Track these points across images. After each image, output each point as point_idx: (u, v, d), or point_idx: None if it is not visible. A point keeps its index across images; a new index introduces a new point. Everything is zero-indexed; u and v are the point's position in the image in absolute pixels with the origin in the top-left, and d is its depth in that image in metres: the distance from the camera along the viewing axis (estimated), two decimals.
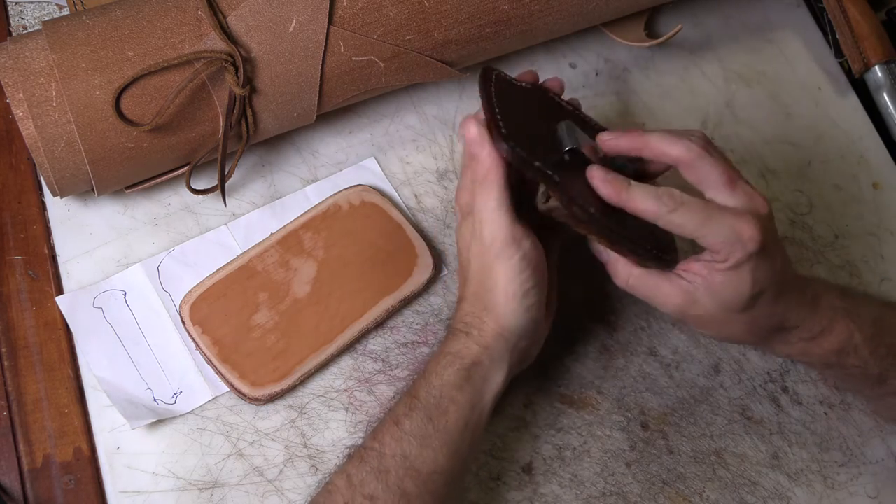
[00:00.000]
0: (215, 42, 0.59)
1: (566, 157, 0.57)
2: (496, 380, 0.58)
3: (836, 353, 0.60)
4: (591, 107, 0.75)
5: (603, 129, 0.60)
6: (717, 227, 0.53)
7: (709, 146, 0.55)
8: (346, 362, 0.65)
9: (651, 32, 0.77)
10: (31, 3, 0.71)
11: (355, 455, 0.55)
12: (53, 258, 0.65)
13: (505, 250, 0.56)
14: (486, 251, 0.56)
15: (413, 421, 0.55)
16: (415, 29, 0.63)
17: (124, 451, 0.61)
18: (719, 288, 0.55)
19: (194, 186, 0.64)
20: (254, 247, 0.65)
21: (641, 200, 0.53)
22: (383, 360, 0.65)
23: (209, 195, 0.66)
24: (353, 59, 0.63)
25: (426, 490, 0.54)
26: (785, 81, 0.80)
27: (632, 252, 0.57)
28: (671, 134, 0.55)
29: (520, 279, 0.56)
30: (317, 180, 0.69)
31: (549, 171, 0.55)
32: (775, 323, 0.58)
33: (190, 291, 0.63)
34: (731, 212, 0.54)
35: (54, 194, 0.62)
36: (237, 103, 0.60)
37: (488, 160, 0.55)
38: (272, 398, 0.62)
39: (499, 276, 0.56)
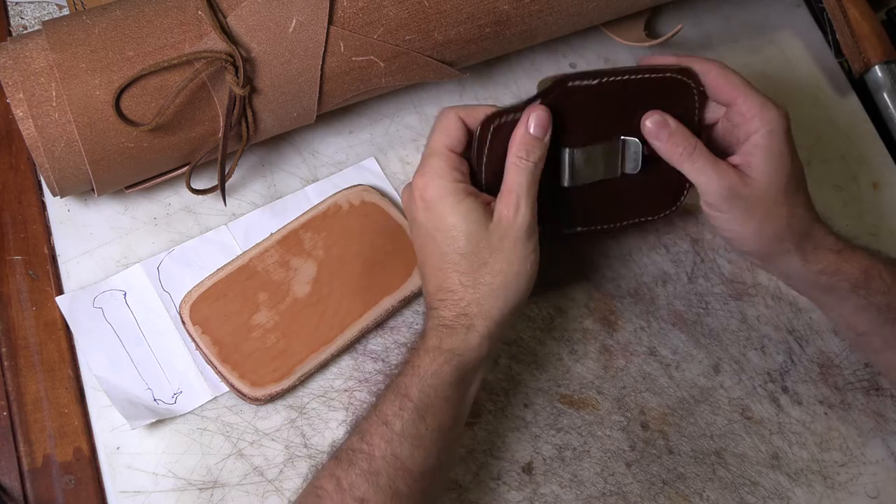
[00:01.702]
0: (215, 42, 0.59)
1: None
2: (486, 368, 0.58)
3: (864, 271, 0.62)
4: None
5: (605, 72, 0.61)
6: (754, 95, 0.60)
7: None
8: (346, 362, 0.65)
9: (651, 32, 0.77)
10: (31, 3, 0.71)
11: (343, 457, 0.54)
12: (53, 258, 0.65)
13: (525, 241, 0.57)
14: (500, 245, 0.56)
15: (405, 421, 0.54)
16: (415, 29, 0.63)
17: (124, 451, 0.61)
18: (765, 157, 0.59)
19: (194, 186, 0.64)
20: (254, 247, 0.65)
21: (699, 62, 0.61)
22: (383, 360, 0.65)
23: (209, 195, 0.66)
24: (353, 59, 0.63)
25: (418, 489, 0.54)
26: (785, 81, 0.80)
27: None
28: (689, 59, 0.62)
29: (528, 273, 0.58)
30: (317, 180, 0.69)
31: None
32: (810, 220, 0.62)
33: (190, 291, 0.63)
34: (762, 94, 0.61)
35: (54, 194, 0.62)
36: (237, 103, 0.60)
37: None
38: (272, 398, 0.62)
39: (510, 273, 0.57)
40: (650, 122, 0.60)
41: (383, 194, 0.68)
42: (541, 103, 0.58)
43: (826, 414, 0.69)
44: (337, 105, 0.66)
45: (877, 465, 0.69)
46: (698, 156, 0.59)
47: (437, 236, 0.57)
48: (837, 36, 0.79)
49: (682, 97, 0.62)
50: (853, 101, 0.81)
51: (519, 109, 0.59)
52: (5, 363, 0.62)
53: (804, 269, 0.62)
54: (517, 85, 0.75)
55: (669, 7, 0.79)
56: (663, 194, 0.65)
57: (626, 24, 0.75)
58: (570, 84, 0.59)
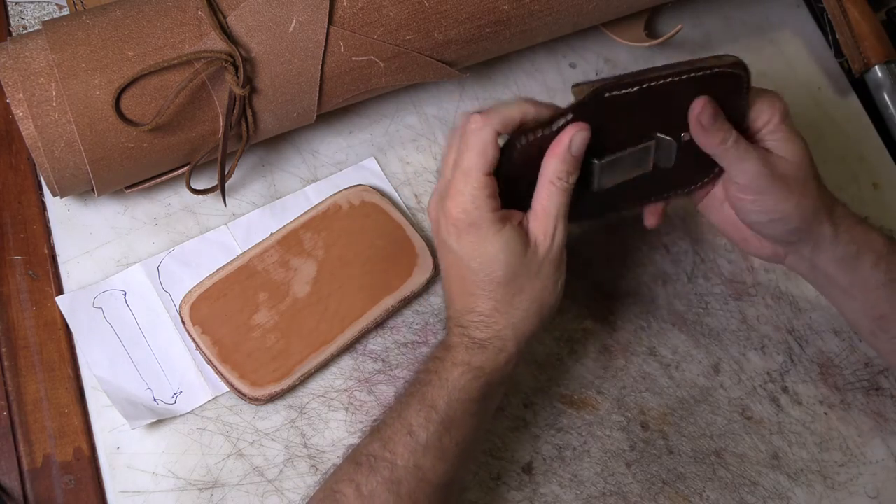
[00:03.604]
0: (215, 42, 0.59)
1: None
2: (508, 385, 0.58)
3: (886, 243, 0.62)
4: None
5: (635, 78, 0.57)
6: (760, 96, 0.60)
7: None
8: (346, 362, 0.65)
9: (651, 32, 0.77)
10: (31, 3, 0.71)
11: (363, 463, 0.53)
12: (53, 258, 0.65)
13: (559, 263, 0.57)
14: (537, 271, 0.56)
15: (430, 433, 0.54)
16: (415, 29, 0.63)
17: (124, 451, 0.61)
18: (787, 138, 0.60)
19: (194, 186, 0.64)
20: (254, 247, 0.65)
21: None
22: (383, 360, 0.65)
23: (209, 195, 0.66)
24: (353, 59, 0.63)
25: (436, 501, 0.54)
26: (785, 81, 0.80)
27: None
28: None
29: (559, 293, 0.58)
30: (317, 180, 0.69)
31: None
32: (831, 194, 0.62)
33: (190, 291, 0.63)
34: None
35: (54, 194, 0.62)
36: (237, 103, 0.60)
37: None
38: (272, 398, 0.62)
39: (545, 296, 0.57)
40: (697, 112, 0.57)
41: (383, 194, 0.68)
42: (575, 119, 0.55)
43: (826, 414, 0.69)
44: (337, 105, 0.66)
45: (877, 465, 0.69)
46: (739, 141, 0.58)
47: (473, 265, 0.55)
48: (837, 36, 0.79)
49: (732, 94, 0.59)
50: (853, 101, 0.81)
51: (551, 121, 0.55)
52: (5, 363, 0.62)
53: (835, 242, 0.61)
54: (517, 85, 0.75)
55: (669, 7, 0.79)
56: (693, 170, 0.62)
57: (626, 24, 0.75)
58: (607, 95, 0.55)
